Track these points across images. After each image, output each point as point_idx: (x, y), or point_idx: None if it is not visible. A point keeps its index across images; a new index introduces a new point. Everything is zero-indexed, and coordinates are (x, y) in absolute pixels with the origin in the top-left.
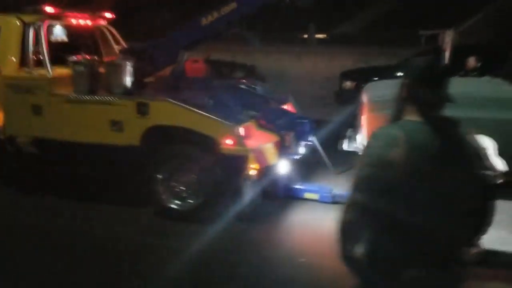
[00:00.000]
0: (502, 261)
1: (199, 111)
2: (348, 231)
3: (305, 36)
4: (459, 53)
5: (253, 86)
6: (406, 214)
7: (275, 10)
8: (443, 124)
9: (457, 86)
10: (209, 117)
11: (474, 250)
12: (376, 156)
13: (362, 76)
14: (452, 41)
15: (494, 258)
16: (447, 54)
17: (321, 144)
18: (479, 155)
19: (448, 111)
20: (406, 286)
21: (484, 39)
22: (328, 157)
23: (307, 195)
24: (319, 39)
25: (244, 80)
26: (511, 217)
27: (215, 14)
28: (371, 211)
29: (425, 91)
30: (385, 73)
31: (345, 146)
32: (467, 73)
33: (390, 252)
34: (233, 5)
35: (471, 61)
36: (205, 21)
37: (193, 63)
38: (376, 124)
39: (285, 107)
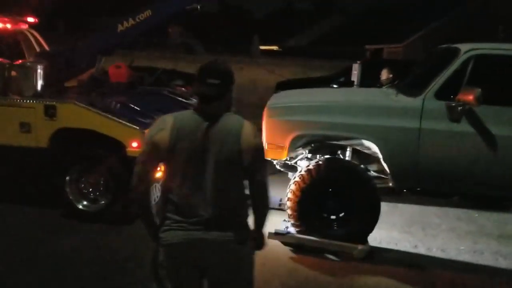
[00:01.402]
0: (391, 258)
1: (105, 114)
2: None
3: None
4: (381, 67)
5: (183, 94)
6: (173, 182)
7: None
8: (213, 115)
9: (349, 95)
10: (114, 120)
11: (360, 247)
12: (148, 137)
13: (296, 87)
14: (359, 72)
15: (384, 255)
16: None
17: None
18: (249, 145)
19: (339, 118)
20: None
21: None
22: None
23: None
24: (264, 50)
25: (183, 88)
26: (405, 219)
27: (131, 21)
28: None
29: (196, 86)
30: (317, 83)
31: None
32: (381, 85)
33: (166, 212)
34: (148, 12)
35: (384, 73)
36: (121, 27)
37: (116, 69)
38: (270, 128)
39: None
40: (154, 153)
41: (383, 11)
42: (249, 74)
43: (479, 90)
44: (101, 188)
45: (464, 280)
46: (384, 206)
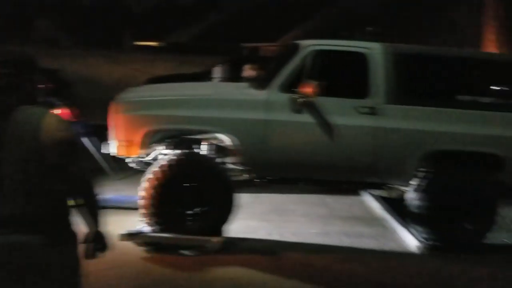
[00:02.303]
0: (247, 247)
1: None
2: None
3: (137, 42)
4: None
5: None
6: None
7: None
8: (6, 109)
9: (202, 89)
10: None
11: (214, 239)
12: None
13: (165, 83)
14: (224, 72)
15: (240, 244)
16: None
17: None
18: (52, 140)
19: (191, 111)
20: None
21: None
22: (109, 163)
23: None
24: (142, 46)
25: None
26: (264, 208)
27: None
28: None
29: None
30: (188, 79)
31: (107, 148)
32: (245, 80)
33: None
34: None
35: (247, 70)
36: None
37: None
38: (120, 124)
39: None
40: None
41: (260, 9)
42: (121, 70)
43: (317, 83)
44: None
45: (311, 261)
46: (246, 197)
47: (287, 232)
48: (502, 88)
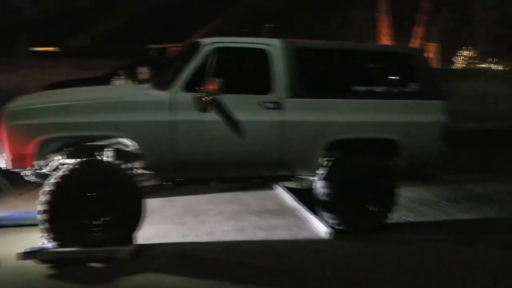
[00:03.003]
0: (160, 252)
1: None
2: None
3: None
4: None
5: None
6: None
7: None
8: None
9: (100, 92)
10: None
11: (124, 248)
12: None
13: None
14: (148, 74)
15: (153, 250)
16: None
17: None
18: None
19: (90, 117)
20: None
21: None
22: (5, 178)
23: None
24: (38, 51)
25: None
26: (178, 211)
27: None
28: None
29: None
30: (89, 84)
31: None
32: (140, 82)
33: None
34: None
35: (143, 72)
36: None
37: None
38: (10, 135)
39: None
40: None
41: (166, 10)
42: (13, 78)
43: (220, 80)
44: None
45: (226, 258)
46: (158, 201)
47: (202, 232)
48: (395, 77)
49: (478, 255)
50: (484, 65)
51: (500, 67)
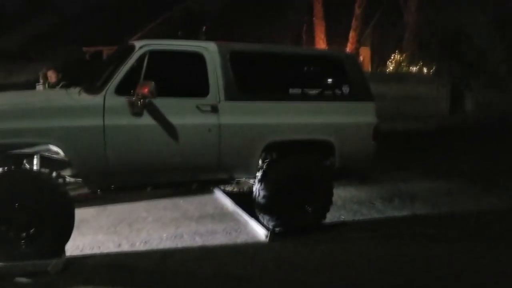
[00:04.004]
0: (92, 263)
1: None
2: None
3: None
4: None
5: None
6: None
7: None
8: None
9: (26, 97)
10: None
11: (55, 261)
12: None
13: None
14: (55, 77)
15: (85, 262)
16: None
17: None
18: None
19: (14, 123)
20: None
21: None
22: None
23: None
24: None
25: None
26: (113, 219)
27: None
28: None
29: None
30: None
31: None
32: (50, 85)
33: None
34: None
35: (51, 75)
36: None
37: None
38: None
39: None
40: None
41: (102, 11)
42: None
43: (153, 83)
44: None
45: (163, 266)
46: (92, 210)
47: (138, 241)
48: (328, 80)
49: (408, 248)
50: (414, 68)
51: (427, 70)
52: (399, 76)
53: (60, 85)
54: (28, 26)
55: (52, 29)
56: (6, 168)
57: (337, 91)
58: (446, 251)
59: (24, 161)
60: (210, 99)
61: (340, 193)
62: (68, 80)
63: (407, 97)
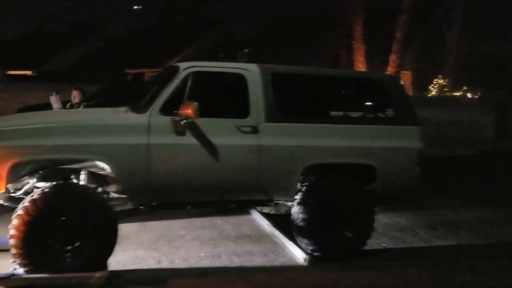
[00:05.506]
0: (133, 279)
1: None
2: None
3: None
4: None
5: None
6: None
7: None
8: None
9: (76, 115)
10: None
11: (98, 274)
12: None
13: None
14: (79, 97)
15: (126, 277)
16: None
17: None
18: None
19: (65, 139)
20: None
21: None
22: None
23: None
24: (14, 75)
25: None
26: (152, 236)
27: None
28: None
29: None
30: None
31: None
32: (72, 105)
33: None
34: None
35: (75, 94)
36: None
37: None
38: None
39: None
40: None
41: (144, 35)
42: None
43: (196, 104)
44: None
45: (201, 285)
46: (133, 226)
47: (176, 258)
48: (371, 103)
49: (454, 278)
50: (457, 93)
51: (471, 95)
52: (442, 100)
53: (82, 106)
54: (73, 49)
55: (96, 52)
56: (54, 182)
57: (380, 114)
58: (493, 282)
59: (72, 177)
60: (250, 120)
61: (382, 219)
62: (96, 100)
63: (451, 122)
